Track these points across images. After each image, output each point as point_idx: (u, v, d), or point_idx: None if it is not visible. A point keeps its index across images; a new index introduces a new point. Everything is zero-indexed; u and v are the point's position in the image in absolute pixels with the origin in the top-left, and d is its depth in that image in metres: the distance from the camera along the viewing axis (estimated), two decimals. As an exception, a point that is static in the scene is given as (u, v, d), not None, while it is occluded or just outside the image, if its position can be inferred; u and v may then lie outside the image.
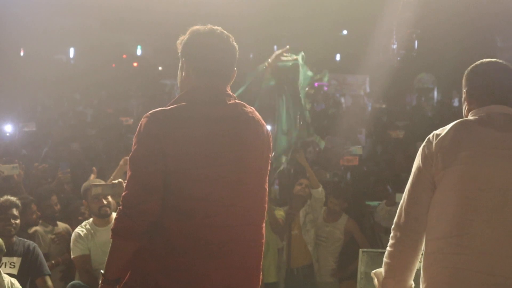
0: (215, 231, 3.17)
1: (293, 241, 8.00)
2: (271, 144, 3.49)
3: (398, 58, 17.87)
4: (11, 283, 5.76)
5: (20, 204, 6.58)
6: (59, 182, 8.39)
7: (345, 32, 23.98)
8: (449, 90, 18.51)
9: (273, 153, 6.86)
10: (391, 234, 3.25)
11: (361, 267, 6.32)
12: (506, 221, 3.02)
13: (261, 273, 3.42)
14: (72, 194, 8.35)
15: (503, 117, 3.21)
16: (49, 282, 6.44)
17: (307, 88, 6.81)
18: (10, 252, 6.29)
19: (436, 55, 17.61)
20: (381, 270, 3.31)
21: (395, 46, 17.70)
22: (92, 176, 7.44)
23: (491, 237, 3.02)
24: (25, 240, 6.56)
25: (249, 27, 5.15)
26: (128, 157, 6.94)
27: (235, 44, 3.42)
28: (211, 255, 3.15)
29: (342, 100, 18.65)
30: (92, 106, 18.37)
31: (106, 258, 3.26)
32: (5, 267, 6.17)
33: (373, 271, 3.42)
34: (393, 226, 3.27)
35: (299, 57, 6.40)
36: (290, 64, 6.19)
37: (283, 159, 6.99)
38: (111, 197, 6.34)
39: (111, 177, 6.80)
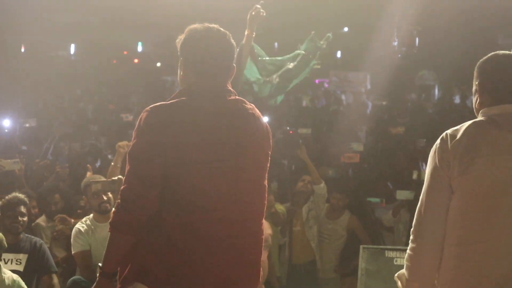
0: (214, 226, 3.16)
1: (295, 237, 8.02)
2: (271, 141, 3.48)
3: (399, 55, 17.85)
4: (13, 280, 5.75)
5: (28, 201, 6.60)
6: (57, 177, 8.39)
7: (346, 29, 23.96)
8: (450, 87, 18.48)
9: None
10: (411, 238, 3.21)
11: (361, 264, 6.33)
12: None
13: (261, 269, 3.41)
14: (71, 189, 8.36)
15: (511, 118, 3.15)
16: (55, 280, 6.45)
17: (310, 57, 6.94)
18: (17, 249, 6.30)
19: (437, 52, 17.61)
20: (404, 272, 3.28)
21: (396, 43, 17.67)
22: (88, 174, 7.45)
23: (510, 243, 2.99)
24: (32, 237, 6.56)
25: (245, 24, 5.18)
26: (121, 142, 6.94)
27: (232, 41, 3.43)
28: (210, 250, 3.15)
29: (343, 97, 18.63)
30: (93, 102, 18.38)
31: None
32: (11, 263, 6.18)
33: (396, 274, 3.39)
34: (412, 229, 3.24)
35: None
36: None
37: (279, 99, 7.08)
38: (111, 193, 6.35)
39: (112, 164, 6.83)
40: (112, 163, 6.78)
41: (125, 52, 26.75)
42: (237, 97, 3.40)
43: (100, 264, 3.28)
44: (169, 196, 3.15)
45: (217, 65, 3.36)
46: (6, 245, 5.84)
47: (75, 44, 26.42)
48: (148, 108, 3.23)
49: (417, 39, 17.49)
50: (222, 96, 3.34)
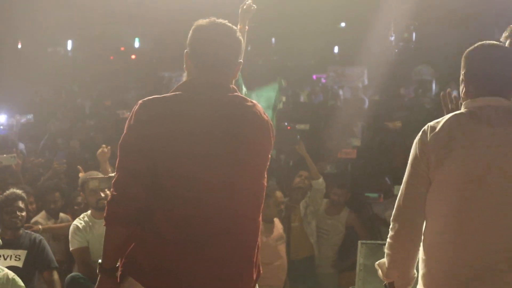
0: (203, 222, 3.14)
1: (293, 233, 8.03)
2: (273, 138, 3.42)
3: (396, 50, 17.86)
4: (7, 278, 5.72)
5: (25, 197, 6.60)
6: (55, 172, 8.39)
7: (343, 24, 23.96)
8: (447, 82, 18.48)
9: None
10: (391, 226, 3.27)
11: (360, 259, 6.33)
12: (499, 218, 3.04)
13: (257, 267, 3.34)
14: (68, 186, 8.36)
15: (495, 111, 3.17)
16: (56, 276, 6.45)
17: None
18: (16, 245, 6.30)
19: (435, 47, 17.60)
20: (384, 260, 3.33)
21: (393, 38, 17.67)
22: (80, 175, 7.46)
23: (485, 233, 3.04)
24: (32, 233, 6.57)
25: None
26: (99, 150, 6.96)
27: (238, 36, 3.39)
28: (198, 246, 3.12)
29: (341, 92, 18.63)
30: (90, 99, 18.36)
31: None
32: (10, 259, 6.18)
33: (377, 262, 3.44)
34: (392, 218, 3.28)
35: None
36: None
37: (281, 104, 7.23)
38: (108, 190, 6.35)
39: (100, 171, 6.84)
40: (100, 174, 6.72)
41: (122, 48, 26.72)
42: (237, 94, 3.36)
43: (100, 261, 3.29)
44: (159, 189, 3.15)
45: (218, 59, 3.33)
46: (1, 242, 5.84)
47: (72, 40, 26.39)
48: (140, 101, 3.24)
49: (414, 34, 17.48)
50: (220, 90, 3.31)
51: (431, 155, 3.15)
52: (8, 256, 6.16)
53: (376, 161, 9.90)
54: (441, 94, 3.72)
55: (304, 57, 23.08)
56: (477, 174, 3.08)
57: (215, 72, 3.32)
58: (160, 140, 3.13)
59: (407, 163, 3.32)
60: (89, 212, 6.51)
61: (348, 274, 7.70)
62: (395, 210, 3.27)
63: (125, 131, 3.22)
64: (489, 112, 3.17)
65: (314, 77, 22.24)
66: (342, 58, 22.84)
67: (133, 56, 26.85)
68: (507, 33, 3.60)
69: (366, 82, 18.50)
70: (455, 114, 3.23)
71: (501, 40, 3.60)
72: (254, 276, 3.31)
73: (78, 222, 6.45)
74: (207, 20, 3.36)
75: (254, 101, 3.37)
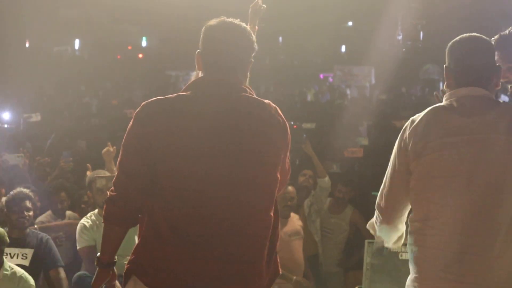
0: (202, 223, 3.08)
1: (297, 231, 8.02)
2: (288, 136, 3.31)
3: (404, 49, 17.85)
4: (16, 275, 5.73)
5: (33, 196, 6.60)
6: (61, 171, 8.40)
7: (350, 23, 23.96)
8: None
9: None
10: (376, 211, 3.44)
11: (366, 258, 6.31)
12: (472, 205, 3.13)
13: (271, 266, 3.28)
14: (76, 184, 8.37)
15: (471, 101, 3.26)
16: (62, 274, 6.45)
17: None
18: (22, 244, 6.30)
19: (442, 46, 17.53)
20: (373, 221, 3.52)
21: (400, 37, 17.67)
22: (88, 173, 7.47)
23: (460, 219, 3.13)
24: (39, 232, 6.57)
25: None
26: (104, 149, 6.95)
27: (249, 35, 3.36)
28: (197, 246, 3.08)
29: (348, 91, 18.62)
30: (97, 97, 18.38)
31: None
32: (17, 258, 6.18)
33: (368, 224, 3.63)
34: (376, 205, 3.45)
35: None
36: None
37: None
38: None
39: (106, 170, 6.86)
40: (108, 173, 6.72)
41: (129, 47, 26.77)
42: (249, 93, 3.30)
43: (98, 254, 3.31)
44: (159, 189, 3.13)
45: (228, 58, 3.28)
46: (8, 240, 5.84)
47: (80, 39, 26.46)
48: (144, 102, 3.23)
49: (421, 33, 17.48)
50: (229, 88, 3.25)
51: (410, 147, 3.25)
52: (15, 254, 6.16)
53: (383, 160, 9.88)
54: (434, 93, 3.80)
55: (311, 56, 23.09)
56: (453, 164, 3.17)
57: (225, 71, 3.26)
58: (159, 140, 3.11)
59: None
60: (96, 210, 6.51)
61: (353, 273, 7.68)
62: (378, 199, 3.44)
63: (126, 132, 3.21)
64: (466, 102, 3.26)
65: (321, 76, 22.25)
66: (349, 57, 22.84)
67: (140, 55, 26.90)
68: None
69: (373, 81, 18.49)
70: (434, 106, 3.34)
71: (506, 32, 3.63)
72: (264, 276, 3.23)
73: (85, 221, 6.45)
74: (218, 19, 3.33)
75: (268, 101, 3.31)
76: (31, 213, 6.43)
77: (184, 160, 3.08)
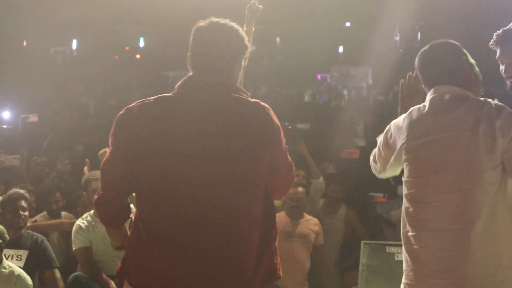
0: (180, 223, 3.09)
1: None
2: (277, 137, 3.25)
3: (401, 50, 17.86)
4: (13, 274, 5.73)
5: (28, 197, 6.60)
6: (58, 173, 8.40)
7: (348, 24, 23.96)
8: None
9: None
10: (371, 158, 3.82)
11: (362, 259, 6.32)
12: (448, 201, 3.26)
13: (254, 267, 3.19)
14: (73, 185, 8.36)
15: (441, 99, 3.40)
16: (58, 275, 6.46)
17: None
18: (17, 245, 6.30)
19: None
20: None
21: (398, 38, 17.69)
22: (86, 168, 7.47)
23: (438, 217, 3.29)
24: (34, 233, 6.57)
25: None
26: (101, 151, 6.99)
27: (240, 35, 3.33)
28: (178, 246, 3.09)
29: (345, 92, 18.63)
30: (95, 98, 18.36)
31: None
32: (11, 259, 6.18)
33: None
34: (372, 158, 3.81)
35: None
36: None
37: None
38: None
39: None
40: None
41: (127, 48, 26.75)
42: (240, 94, 3.27)
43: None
44: (137, 191, 3.20)
45: (215, 58, 3.27)
46: (8, 237, 5.85)
47: (77, 40, 26.42)
48: (126, 106, 3.32)
49: (419, 34, 17.50)
50: (214, 89, 3.23)
51: (395, 143, 3.51)
52: (9, 255, 6.16)
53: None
54: (401, 81, 3.91)
55: (308, 57, 23.07)
56: (422, 162, 3.34)
57: (213, 72, 3.26)
58: (137, 143, 3.13)
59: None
60: (92, 211, 6.51)
61: (350, 273, 7.69)
62: (372, 156, 3.81)
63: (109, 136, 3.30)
64: (437, 100, 3.42)
65: (318, 77, 22.25)
66: (346, 58, 22.85)
67: (138, 56, 26.87)
68: None
69: (370, 82, 18.52)
70: (415, 107, 3.51)
71: (510, 27, 3.63)
72: (252, 276, 3.17)
73: (81, 221, 6.45)
74: (207, 20, 3.34)
75: (256, 101, 3.26)
76: (26, 213, 6.43)
77: (162, 162, 3.09)
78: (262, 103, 3.27)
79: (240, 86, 4.83)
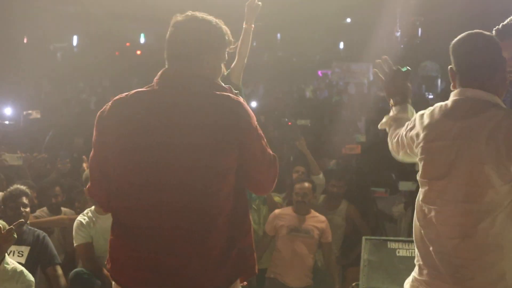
0: (137, 215, 3.15)
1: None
2: (247, 128, 3.19)
3: (402, 46, 17.86)
4: (16, 271, 5.74)
5: (30, 193, 6.61)
6: (58, 172, 8.41)
7: (348, 20, 23.94)
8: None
9: None
10: (393, 141, 3.67)
11: (364, 255, 6.32)
12: (448, 210, 3.19)
13: (218, 259, 3.15)
14: (75, 181, 8.37)
15: (464, 103, 3.25)
16: (60, 271, 6.46)
17: None
18: (19, 241, 6.29)
19: (440, 42, 17.55)
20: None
21: (398, 34, 17.68)
22: (84, 165, 7.47)
23: (440, 222, 3.21)
24: (35, 229, 6.57)
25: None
26: None
27: (215, 26, 3.32)
28: (133, 238, 3.15)
29: (347, 88, 18.62)
30: (95, 94, 18.37)
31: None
32: (13, 255, 6.18)
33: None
34: (395, 140, 3.64)
35: None
36: None
37: None
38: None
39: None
40: None
41: (127, 44, 26.74)
42: (209, 86, 3.25)
43: None
44: (111, 184, 3.26)
45: (187, 50, 3.29)
46: (16, 237, 5.86)
47: (78, 36, 26.42)
48: None
49: (419, 30, 17.49)
50: (184, 81, 3.25)
51: (413, 138, 3.42)
52: (11, 251, 6.16)
53: (380, 157, 9.88)
54: (373, 70, 3.87)
55: (309, 52, 23.08)
56: (433, 166, 3.26)
57: (185, 64, 3.28)
58: (109, 137, 3.20)
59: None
60: (92, 207, 6.51)
61: (352, 269, 7.69)
62: (389, 139, 3.72)
63: None
64: (459, 104, 3.27)
65: (319, 73, 22.23)
66: (347, 54, 22.83)
67: (138, 52, 26.87)
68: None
69: (371, 78, 18.50)
70: (436, 105, 3.40)
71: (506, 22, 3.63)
72: (216, 268, 3.16)
73: (82, 218, 6.45)
74: (184, 14, 3.38)
75: (227, 94, 3.23)
76: (27, 209, 6.44)
77: (130, 154, 3.15)
78: (235, 97, 3.25)
79: (239, 82, 4.85)
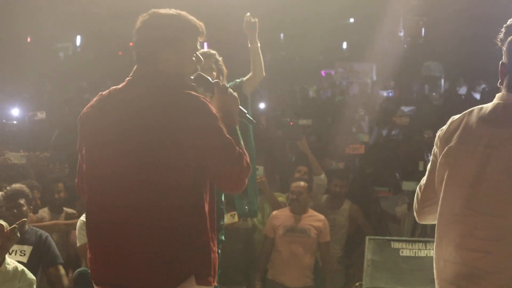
0: (101, 211, 3.28)
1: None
2: (207, 126, 3.20)
3: (405, 46, 17.84)
4: (17, 270, 5.75)
5: (29, 193, 6.61)
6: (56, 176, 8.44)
7: (351, 20, 23.90)
8: (456, 78, 18.44)
9: None
10: (415, 200, 3.32)
11: (367, 255, 6.33)
12: (473, 216, 2.95)
13: (175, 257, 3.16)
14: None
15: (505, 110, 2.98)
16: (62, 271, 6.48)
17: None
18: (21, 240, 6.30)
19: (443, 42, 17.54)
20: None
21: (402, 34, 17.66)
22: None
23: (462, 232, 2.98)
24: (38, 229, 6.58)
25: (253, 15, 5.16)
26: None
27: (175, 22, 3.43)
28: (102, 233, 3.28)
29: (350, 88, 18.60)
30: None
31: None
32: (15, 254, 6.20)
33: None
34: (416, 196, 3.32)
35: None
36: None
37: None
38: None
39: None
40: None
41: (130, 44, 26.70)
42: (172, 85, 3.28)
43: None
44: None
45: (144, 49, 3.40)
46: (19, 235, 5.86)
47: (81, 36, 26.42)
48: None
49: (423, 30, 17.46)
50: (145, 79, 3.35)
51: (439, 148, 3.12)
52: (13, 251, 6.18)
53: (384, 156, 9.89)
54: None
55: (312, 52, 23.04)
56: (458, 172, 3.01)
57: (147, 61, 3.37)
58: (84, 136, 3.39)
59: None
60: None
61: (356, 269, 7.69)
62: (417, 192, 3.30)
63: None
64: (499, 110, 2.99)
65: (322, 72, 22.20)
66: (350, 54, 22.80)
67: (141, 52, 26.83)
68: None
69: (374, 77, 18.49)
70: (471, 109, 3.09)
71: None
72: (173, 266, 3.16)
73: (85, 217, 6.45)
74: (149, 12, 3.46)
75: (190, 92, 3.24)
76: (25, 208, 6.44)
77: (91, 150, 3.32)
78: (196, 94, 3.27)
79: (248, 94, 4.96)
